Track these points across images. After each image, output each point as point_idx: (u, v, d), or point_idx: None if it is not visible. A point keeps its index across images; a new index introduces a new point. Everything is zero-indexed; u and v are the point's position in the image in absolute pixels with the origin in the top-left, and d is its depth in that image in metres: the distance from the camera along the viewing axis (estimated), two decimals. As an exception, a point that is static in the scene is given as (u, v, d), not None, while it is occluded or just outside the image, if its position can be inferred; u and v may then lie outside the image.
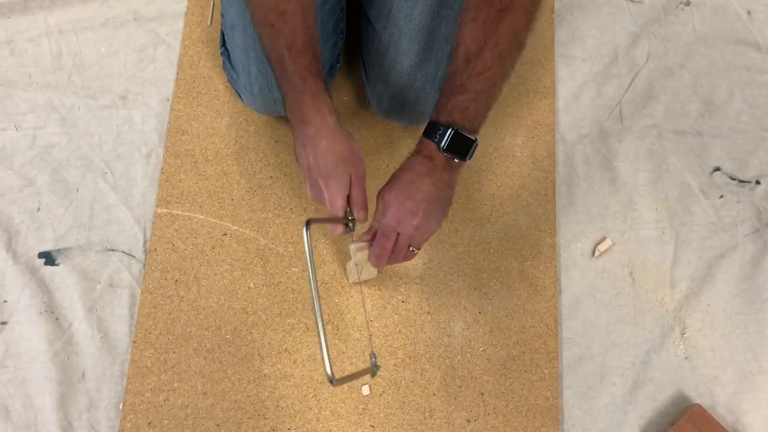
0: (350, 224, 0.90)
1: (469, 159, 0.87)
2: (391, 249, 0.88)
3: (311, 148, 0.86)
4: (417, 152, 0.88)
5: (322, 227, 1.16)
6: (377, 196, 0.90)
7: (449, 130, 0.84)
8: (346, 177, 0.86)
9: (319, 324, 0.77)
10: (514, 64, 0.86)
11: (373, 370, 0.89)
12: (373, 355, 0.92)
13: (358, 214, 0.89)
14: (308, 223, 0.78)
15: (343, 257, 1.15)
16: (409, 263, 1.16)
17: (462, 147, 0.85)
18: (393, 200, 0.87)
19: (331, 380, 0.76)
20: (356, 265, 1.01)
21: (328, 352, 0.77)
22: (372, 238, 0.90)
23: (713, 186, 1.28)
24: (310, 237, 0.78)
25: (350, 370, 1.10)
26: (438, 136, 0.85)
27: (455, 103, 0.84)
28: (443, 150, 0.84)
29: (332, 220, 0.88)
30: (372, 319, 1.13)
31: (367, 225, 0.92)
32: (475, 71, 0.83)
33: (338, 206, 0.87)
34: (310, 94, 0.85)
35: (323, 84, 0.88)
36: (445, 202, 0.89)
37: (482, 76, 0.83)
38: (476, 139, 0.86)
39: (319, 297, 0.78)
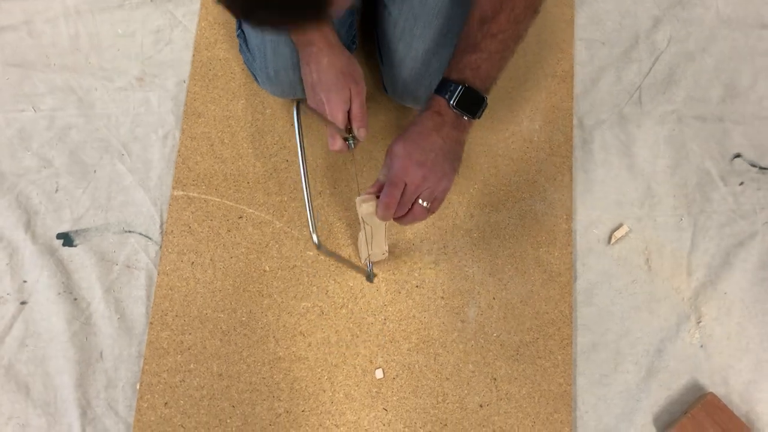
0: (350, 141, 0.95)
1: (478, 118, 0.88)
2: (398, 199, 0.86)
3: (315, 64, 0.92)
4: (427, 108, 0.88)
5: (331, 210, 1.16)
6: (386, 152, 0.89)
7: (460, 87, 0.85)
8: (346, 91, 0.92)
9: (305, 189, 0.79)
10: (528, 27, 0.88)
11: (369, 274, 0.95)
12: (370, 263, 0.97)
13: (358, 130, 0.94)
14: (298, 103, 0.80)
15: (356, 239, 1.15)
16: (423, 248, 1.16)
17: (472, 104, 0.86)
18: (401, 151, 0.86)
19: (318, 246, 0.77)
20: (363, 224, 0.97)
21: (313, 218, 0.79)
22: (378, 190, 0.88)
23: (733, 173, 1.26)
24: (300, 114, 0.80)
25: (363, 353, 1.11)
26: (449, 92, 0.85)
27: (467, 61, 0.86)
28: (453, 106, 0.85)
29: (328, 122, 0.92)
30: (386, 303, 1.13)
31: (373, 175, 0.90)
32: (489, 33, 0.85)
33: (338, 119, 0.93)
34: None
35: None
36: (454, 158, 0.88)
37: (496, 37, 0.85)
38: (486, 98, 0.87)
39: (306, 165, 0.80)
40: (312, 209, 0.79)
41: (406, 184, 0.86)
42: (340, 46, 0.93)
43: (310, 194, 0.79)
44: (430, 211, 0.89)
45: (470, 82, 0.85)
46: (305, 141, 0.86)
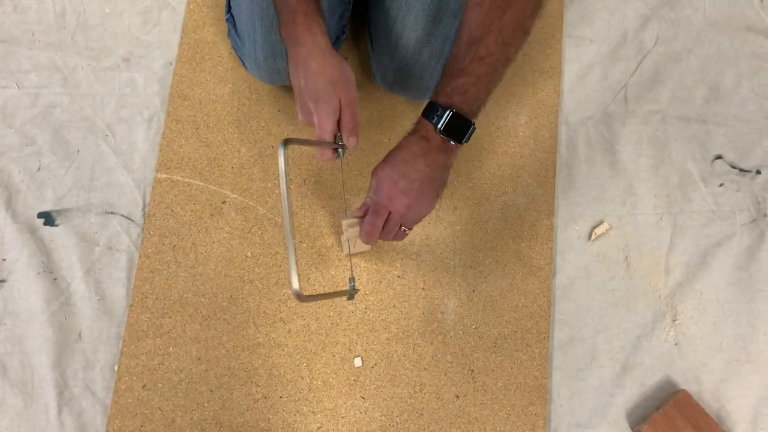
0: (339, 150, 0.90)
1: (466, 142, 0.87)
2: (381, 227, 0.89)
3: (302, 69, 0.86)
4: (414, 132, 0.88)
5: (320, 192, 1.17)
6: (372, 173, 0.90)
7: (447, 112, 0.83)
8: (335, 101, 0.86)
9: (289, 238, 0.74)
10: (519, 50, 0.85)
11: (350, 293, 0.89)
12: (352, 279, 0.92)
13: (348, 140, 0.89)
14: (285, 143, 0.76)
15: (340, 229, 1.16)
16: (406, 239, 1.16)
17: (459, 130, 0.85)
18: (386, 178, 0.87)
19: (299, 296, 0.72)
20: (349, 242, 1.02)
21: (296, 266, 0.73)
22: (364, 214, 0.91)
23: (714, 174, 1.28)
24: (286, 156, 0.76)
25: (343, 342, 1.11)
26: (436, 117, 0.84)
27: (455, 85, 0.84)
28: (440, 131, 0.84)
29: (316, 143, 0.88)
30: (367, 293, 1.14)
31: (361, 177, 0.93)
32: (477, 55, 0.82)
33: (327, 130, 0.87)
34: (303, 14, 0.86)
35: (317, 5, 0.88)
36: (438, 184, 0.89)
37: (484, 61, 0.82)
38: (474, 123, 0.86)
39: (291, 215, 0.77)
40: (295, 256, 0.74)
41: (390, 213, 0.87)
42: (330, 50, 0.87)
43: (294, 243, 0.75)
44: (408, 232, 0.93)
45: (458, 107, 0.84)
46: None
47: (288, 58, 0.91)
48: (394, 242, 1.16)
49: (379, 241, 0.92)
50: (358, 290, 0.93)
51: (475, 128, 0.86)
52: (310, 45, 0.86)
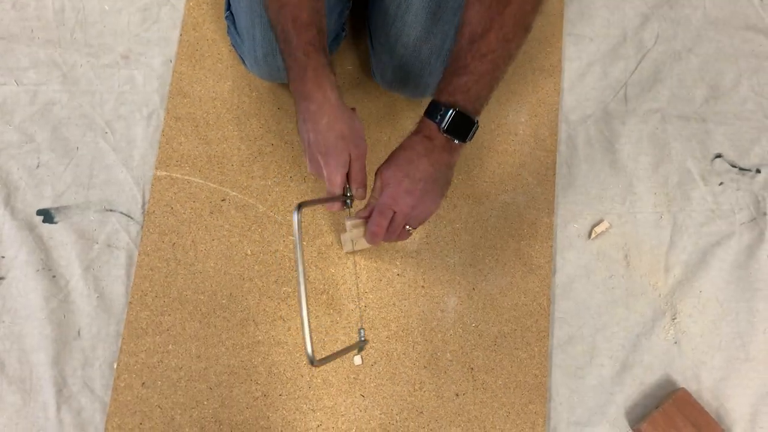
0: (348, 201, 0.91)
1: (469, 141, 0.87)
2: (386, 227, 0.88)
3: (312, 124, 0.86)
4: (417, 132, 0.87)
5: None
6: (375, 173, 0.90)
7: (450, 111, 0.83)
8: (345, 155, 0.86)
9: (303, 306, 0.76)
10: (520, 46, 0.85)
11: (360, 345, 0.90)
12: (362, 329, 0.93)
13: (356, 191, 0.90)
14: (300, 207, 0.78)
15: (340, 227, 1.16)
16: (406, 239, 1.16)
17: (463, 128, 0.85)
18: (391, 179, 0.87)
19: (312, 361, 0.74)
20: (352, 242, 1.02)
21: (310, 334, 0.75)
22: (369, 215, 0.91)
23: (713, 173, 1.28)
24: (300, 220, 0.77)
25: (342, 340, 1.11)
26: (439, 116, 0.84)
27: (458, 84, 0.83)
28: (444, 131, 0.84)
29: (325, 200, 0.88)
30: (367, 291, 1.14)
31: (364, 202, 0.93)
32: (479, 53, 0.82)
33: (336, 184, 0.87)
34: (313, 69, 0.85)
35: (327, 59, 0.87)
36: (443, 183, 0.89)
37: (486, 58, 0.82)
38: (477, 121, 0.86)
39: (305, 280, 0.77)
40: (309, 322, 0.75)
41: (394, 213, 0.87)
42: (340, 104, 0.86)
43: (308, 309, 0.76)
44: (412, 231, 0.93)
45: (461, 106, 0.83)
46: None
47: (296, 111, 0.90)
48: (395, 242, 1.16)
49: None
50: (367, 341, 0.94)
51: (478, 126, 0.86)
52: (320, 100, 0.85)
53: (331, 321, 1.12)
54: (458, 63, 0.84)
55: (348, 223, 0.94)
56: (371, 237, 0.90)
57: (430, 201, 0.88)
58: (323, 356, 0.78)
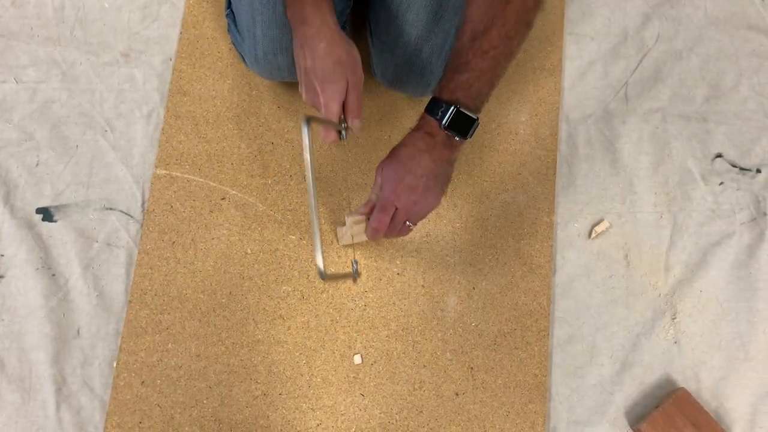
0: (343, 132, 0.90)
1: (470, 138, 0.87)
2: (388, 223, 0.88)
3: (309, 49, 0.85)
4: (418, 128, 0.88)
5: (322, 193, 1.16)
6: (376, 169, 0.90)
7: (451, 108, 0.83)
8: (343, 82, 0.86)
9: (314, 221, 0.77)
10: (521, 43, 0.85)
11: (354, 275, 0.94)
12: (355, 261, 0.95)
13: (352, 122, 0.89)
14: (308, 120, 0.77)
15: (338, 222, 1.15)
16: (406, 237, 1.16)
17: (463, 125, 0.85)
18: (392, 174, 0.87)
19: (322, 275, 0.77)
20: (352, 237, 1.02)
21: (321, 249, 0.77)
22: (369, 211, 0.91)
23: (714, 172, 1.28)
24: (310, 134, 0.77)
25: (342, 339, 1.11)
26: (440, 113, 0.84)
27: (459, 80, 0.84)
28: (444, 127, 0.84)
29: (329, 122, 0.88)
30: (367, 290, 1.14)
31: (363, 159, 0.93)
32: (480, 50, 0.82)
33: (333, 111, 0.87)
34: None
35: None
36: (444, 179, 0.89)
37: (488, 54, 0.82)
38: (478, 118, 0.86)
39: (316, 194, 0.78)
40: (320, 239, 0.77)
41: (396, 209, 0.87)
42: (338, 30, 0.87)
43: (318, 225, 0.77)
44: (413, 227, 0.94)
45: (462, 103, 0.84)
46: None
47: (294, 40, 0.90)
48: (394, 239, 1.16)
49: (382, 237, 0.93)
50: (360, 273, 0.95)
51: (478, 123, 0.86)
52: (318, 24, 0.85)
53: (331, 320, 1.12)
54: (459, 60, 0.84)
55: (348, 220, 0.94)
56: (373, 233, 0.90)
57: (432, 197, 0.89)
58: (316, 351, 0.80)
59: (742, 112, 1.32)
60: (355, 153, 1.20)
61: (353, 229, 0.94)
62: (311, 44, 0.85)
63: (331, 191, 1.18)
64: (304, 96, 0.91)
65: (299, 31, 0.87)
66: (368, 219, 0.92)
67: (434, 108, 0.85)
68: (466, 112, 0.84)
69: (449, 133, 0.85)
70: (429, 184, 0.87)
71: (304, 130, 0.76)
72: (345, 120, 0.90)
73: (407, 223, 0.91)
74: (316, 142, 1.20)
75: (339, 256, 1.15)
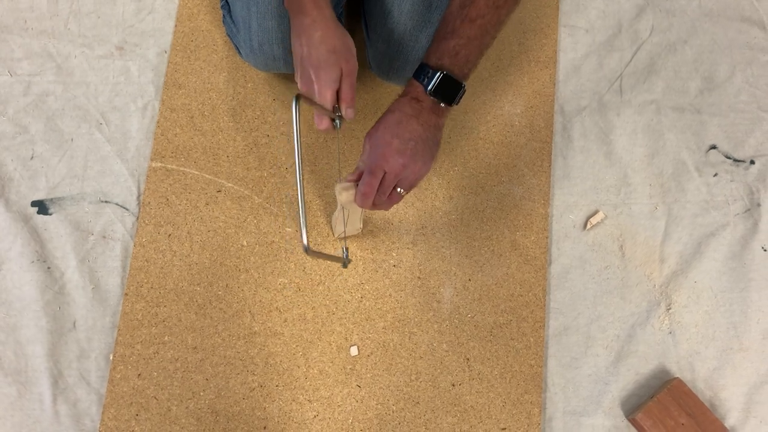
0: (336, 120, 0.92)
1: (456, 104, 0.88)
2: (377, 187, 0.87)
3: (306, 38, 0.87)
4: (405, 94, 0.88)
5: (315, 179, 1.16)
6: (365, 138, 0.90)
7: (438, 74, 0.84)
8: (337, 70, 0.87)
9: (300, 196, 0.78)
10: (510, 13, 0.87)
11: (345, 261, 0.93)
12: (346, 249, 0.95)
13: (345, 110, 0.91)
14: (297, 98, 0.78)
15: (332, 212, 1.15)
16: (402, 228, 1.16)
17: (450, 91, 0.86)
18: (380, 139, 0.86)
19: (306, 249, 0.76)
20: (341, 207, 0.99)
21: (306, 223, 0.77)
22: (358, 178, 0.89)
23: (708, 164, 1.29)
24: (298, 111, 0.78)
25: (339, 331, 1.11)
26: (426, 78, 0.85)
27: (446, 47, 0.85)
28: (430, 93, 0.85)
29: (320, 107, 0.89)
30: (363, 281, 1.14)
31: (357, 152, 0.92)
32: (468, 17, 0.84)
33: (327, 99, 0.88)
34: None
35: None
36: (432, 144, 0.89)
37: (475, 23, 0.84)
38: (464, 85, 0.87)
39: (302, 168, 0.78)
40: (305, 212, 0.78)
41: (385, 173, 0.87)
42: (334, 20, 0.89)
43: (304, 195, 0.78)
44: (404, 194, 0.92)
45: (448, 69, 0.85)
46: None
47: (291, 29, 0.92)
48: (390, 230, 1.16)
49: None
50: (350, 260, 0.94)
51: (465, 90, 0.87)
52: (315, 14, 0.87)
53: (328, 312, 1.12)
54: (447, 27, 0.85)
55: (337, 186, 0.91)
56: (362, 198, 0.88)
57: (421, 162, 0.88)
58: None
59: (735, 104, 1.33)
60: (350, 145, 1.21)
61: (342, 196, 0.90)
62: (307, 33, 0.87)
63: (326, 183, 1.18)
64: (299, 84, 0.92)
65: (296, 21, 0.89)
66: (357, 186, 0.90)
67: (421, 73, 0.86)
68: (453, 77, 0.85)
69: (435, 99, 0.86)
70: (417, 148, 0.87)
71: (294, 107, 0.77)
72: (339, 109, 0.91)
73: (398, 189, 0.90)
74: (311, 135, 1.20)
75: (335, 249, 1.15)
